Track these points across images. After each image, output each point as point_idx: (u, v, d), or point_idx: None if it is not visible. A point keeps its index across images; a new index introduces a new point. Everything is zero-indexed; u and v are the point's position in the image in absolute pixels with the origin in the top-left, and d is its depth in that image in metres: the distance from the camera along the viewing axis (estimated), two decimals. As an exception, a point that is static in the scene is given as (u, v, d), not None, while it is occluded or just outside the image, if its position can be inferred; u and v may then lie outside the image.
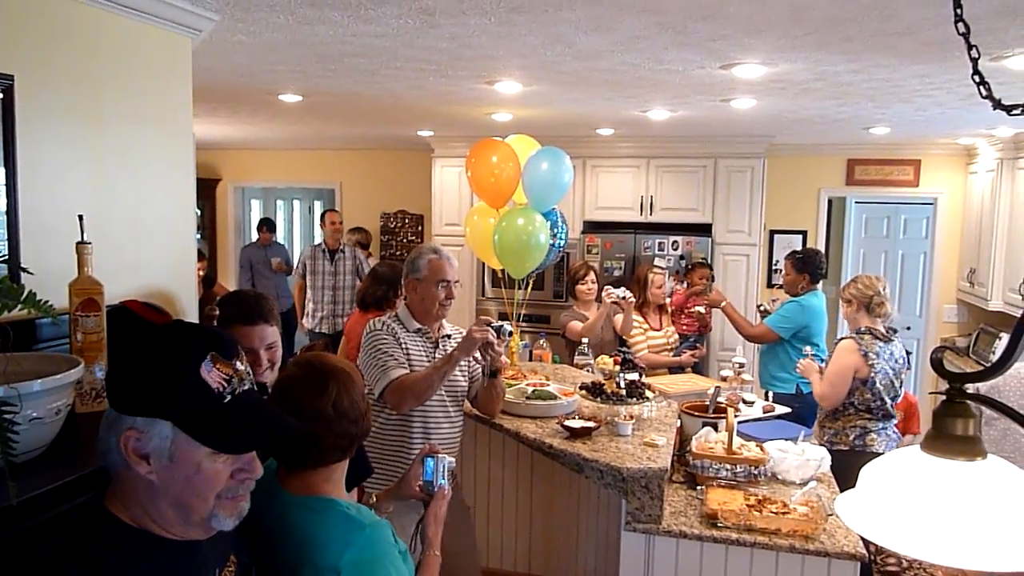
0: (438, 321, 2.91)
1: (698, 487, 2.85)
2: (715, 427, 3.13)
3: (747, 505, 2.65)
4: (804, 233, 6.78)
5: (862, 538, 2.46)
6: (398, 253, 7.84)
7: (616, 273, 6.20)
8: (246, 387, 1.20)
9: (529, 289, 4.64)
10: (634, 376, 3.37)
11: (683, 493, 2.87)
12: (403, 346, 2.78)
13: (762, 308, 5.17)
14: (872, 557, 2.73)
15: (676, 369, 4.80)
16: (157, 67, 2.32)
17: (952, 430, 0.94)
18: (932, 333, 6.71)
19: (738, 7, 2.33)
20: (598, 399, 3.20)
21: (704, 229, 6.23)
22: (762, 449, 3.01)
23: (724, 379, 4.16)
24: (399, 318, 2.88)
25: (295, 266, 6.61)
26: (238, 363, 1.20)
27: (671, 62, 3.14)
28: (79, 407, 1.65)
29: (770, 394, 4.42)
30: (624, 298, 4.48)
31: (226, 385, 1.16)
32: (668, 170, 6.31)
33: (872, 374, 3.46)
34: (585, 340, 4.37)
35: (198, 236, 7.07)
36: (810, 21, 2.47)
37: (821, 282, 4.70)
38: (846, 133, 5.71)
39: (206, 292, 5.79)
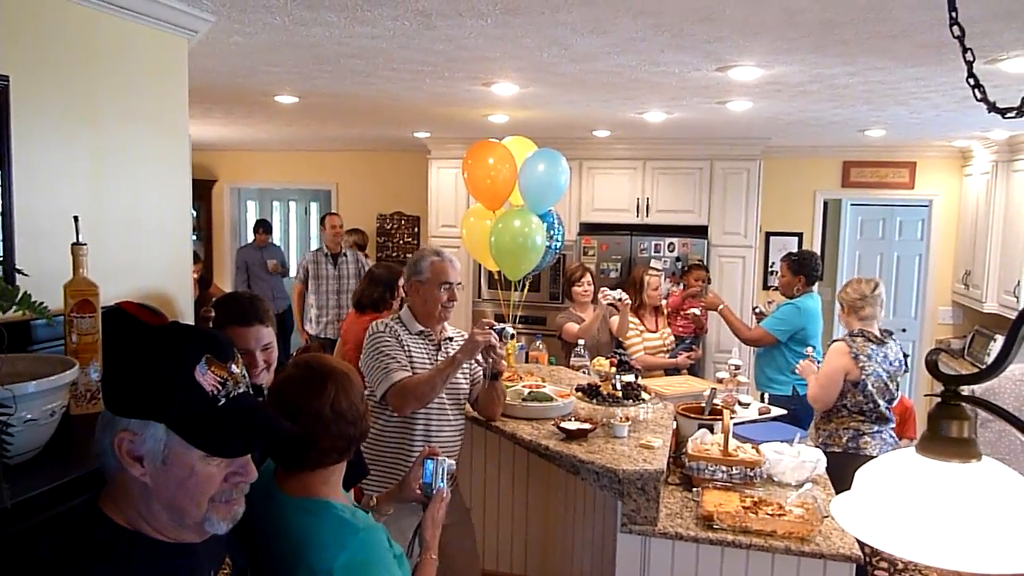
0: (441, 323, 2.92)
1: (694, 489, 2.85)
2: (711, 429, 3.13)
3: (743, 507, 2.66)
4: (800, 235, 6.80)
5: (857, 540, 2.46)
6: (394, 255, 7.83)
7: (612, 275, 6.20)
8: (241, 390, 1.20)
9: (525, 291, 4.65)
10: (630, 378, 3.37)
11: (679, 495, 2.87)
12: (406, 348, 2.79)
13: (757, 310, 5.18)
14: (867, 559, 2.72)
15: (672, 371, 4.80)
16: (153, 68, 2.31)
17: (947, 432, 0.94)
18: (927, 335, 6.73)
19: (734, 9, 2.33)
20: (594, 401, 3.20)
21: (700, 231, 6.24)
22: (758, 451, 3.01)
23: (720, 381, 4.17)
24: (402, 320, 2.89)
25: (295, 272, 6.48)
26: (233, 366, 1.20)
27: (667, 64, 3.14)
28: (74, 409, 1.65)
29: (766, 396, 4.43)
30: (620, 300, 4.48)
31: (221, 388, 1.15)
32: (664, 172, 6.32)
33: (863, 376, 3.47)
34: (581, 342, 4.37)
35: (194, 237, 7.04)
36: (806, 24, 2.47)
37: (817, 284, 4.71)
38: (842, 135, 5.73)
39: (202, 293, 5.80)
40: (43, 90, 1.94)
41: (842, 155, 6.65)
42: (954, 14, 1.26)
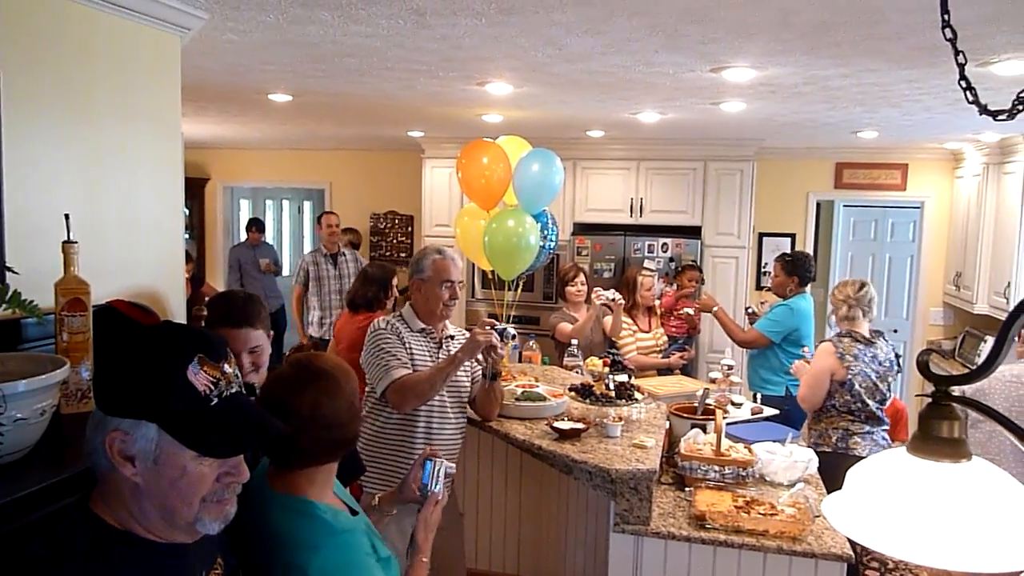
0: (442, 321, 2.94)
1: (686, 489, 2.85)
2: (704, 429, 3.14)
3: (735, 507, 2.66)
4: (793, 236, 6.82)
5: (849, 539, 2.47)
6: (388, 254, 7.82)
7: (606, 275, 6.21)
8: (234, 390, 1.19)
9: (519, 291, 4.65)
10: (623, 378, 3.38)
11: (671, 495, 2.88)
12: (407, 346, 2.81)
13: (750, 310, 5.19)
14: (858, 558, 2.74)
15: (665, 371, 4.81)
16: (145, 65, 2.30)
17: (938, 432, 0.95)
18: (918, 336, 6.76)
19: (729, 10, 2.34)
20: (587, 401, 3.21)
21: (694, 231, 6.25)
22: (750, 451, 3.02)
23: (713, 381, 4.18)
24: (403, 318, 2.91)
25: (293, 275, 6.36)
26: (226, 365, 1.19)
27: (662, 65, 3.15)
28: (64, 408, 1.64)
29: (758, 396, 4.44)
30: (613, 300, 4.49)
31: (213, 388, 1.15)
32: (658, 172, 6.33)
33: (849, 376, 3.49)
34: (575, 342, 4.38)
35: (186, 236, 6.99)
36: (800, 25, 2.48)
37: (809, 285, 4.73)
38: (835, 137, 5.75)
39: (194, 292, 5.75)
40: (34, 87, 1.92)
41: (835, 157, 6.67)
42: (946, 17, 1.27)
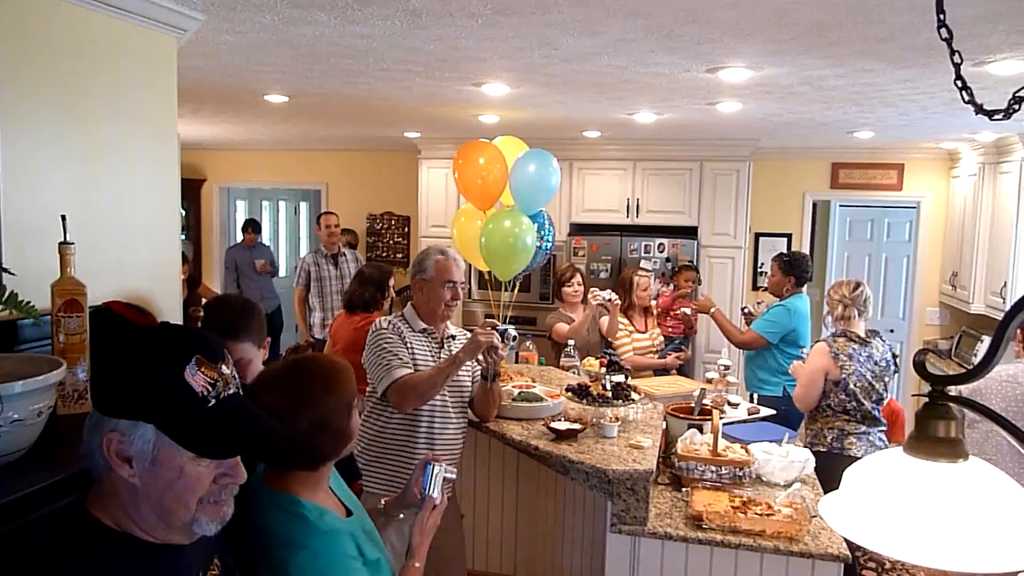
0: (444, 322, 2.95)
1: (683, 489, 2.86)
2: (700, 429, 3.14)
3: (732, 507, 2.66)
4: (789, 236, 6.83)
5: (846, 539, 2.48)
6: (384, 255, 7.81)
7: (602, 275, 6.21)
8: (231, 391, 1.19)
9: (515, 291, 4.65)
10: (620, 378, 3.38)
11: (668, 495, 2.88)
12: (408, 346, 2.81)
13: (746, 311, 5.19)
14: (855, 558, 2.74)
15: (661, 371, 4.82)
16: (142, 66, 2.30)
17: (934, 432, 0.95)
18: (915, 335, 6.77)
19: (724, 11, 2.34)
20: (584, 401, 3.21)
21: (690, 232, 6.26)
22: (747, 451, 3.03)
23: (709, 381, 4.18)
24: (405, 318, 2.91)
25: (294, 277, 6.31)
26: (224, 367, 1.18)
27: (658, 65, 3.15)
28: (61, 409, 1.64)
29: (755, 396, 4.44)
30: (610, 300, 4.50)
31: (211, 389, 1.15)
32: (654, 173, 6.34)
33: (843, 375, 3.50)
34: (571, 342, 4.38)
35: (182, 237, 6.96)
36: (795, 25, 2.49)
37: (806, 285, 4.74)
38: (830, 137, 5.76)
39: (190, 294, 5.74)
40: (31, 88, 1.92)
41: (831, 156, 6.68)
42: (942, 16, 1.27)
